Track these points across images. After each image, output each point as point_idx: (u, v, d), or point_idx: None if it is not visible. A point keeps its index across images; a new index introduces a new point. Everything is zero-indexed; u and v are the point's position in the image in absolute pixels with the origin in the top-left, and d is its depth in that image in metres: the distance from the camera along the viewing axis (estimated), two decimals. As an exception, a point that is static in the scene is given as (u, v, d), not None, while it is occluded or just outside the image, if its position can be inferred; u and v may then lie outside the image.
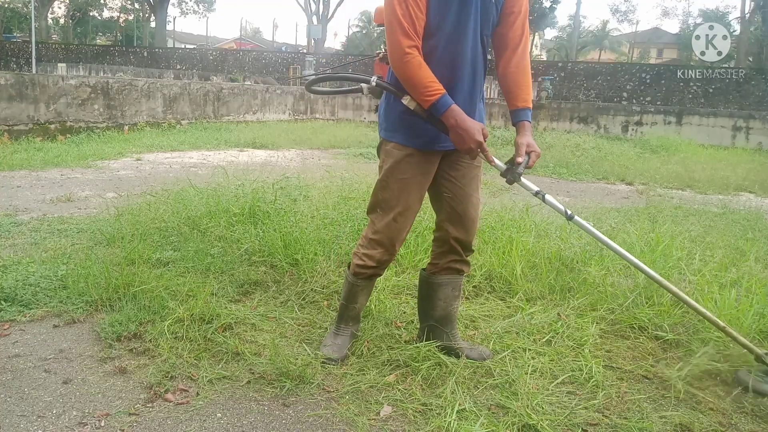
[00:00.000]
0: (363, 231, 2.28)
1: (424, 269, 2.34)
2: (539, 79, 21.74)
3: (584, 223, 2.16)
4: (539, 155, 2.05)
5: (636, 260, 2.21)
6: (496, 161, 2.03)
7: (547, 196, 2.11)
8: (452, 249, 2.21)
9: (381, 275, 2.35)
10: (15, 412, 1.85)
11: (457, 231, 2.18)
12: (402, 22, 1.90)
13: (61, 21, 43.16)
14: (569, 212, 2.12)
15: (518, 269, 3.00)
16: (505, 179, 2.04)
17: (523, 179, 2.03)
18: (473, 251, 2.29)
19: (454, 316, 2.32)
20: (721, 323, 2.18)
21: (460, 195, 2.17)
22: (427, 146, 2.09)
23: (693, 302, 2.17)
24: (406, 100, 2.02)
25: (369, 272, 2.22)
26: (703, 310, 2.19)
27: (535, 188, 2.07)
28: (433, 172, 2.15)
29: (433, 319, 2.30)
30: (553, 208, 2.14)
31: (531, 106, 2.10)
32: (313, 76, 2.38)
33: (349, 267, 2.28)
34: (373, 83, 2.08)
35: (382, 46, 2.47)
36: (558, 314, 2.66)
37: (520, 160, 2.01)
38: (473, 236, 2.23)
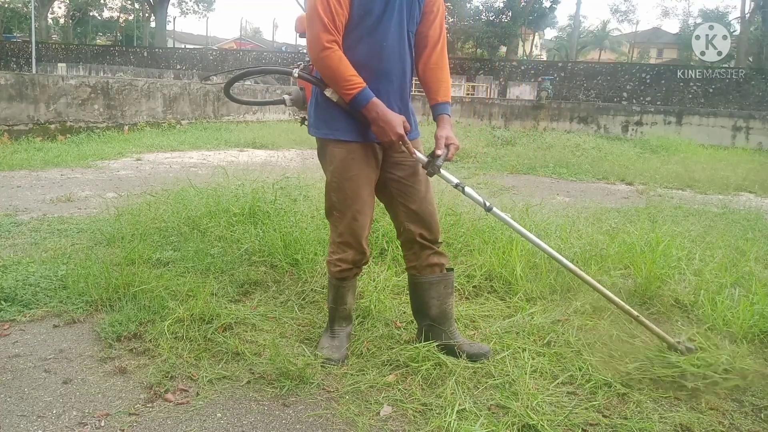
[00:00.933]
0: (329, 237, 2.29)
1: (409, 273, 2.34)
2: (539, 79, 21.74)
3: (502, 214, 2.24)
4: (458, 147, 2.13)
5: (557, 254, 2.28)
6: (418, 154, 2.09)
7: (467, 188, 2.17)
8: (422, 246, 2.23)
9: (361, 272, 2.37)
10: (15, 412, 1.85)
11: (420, 228, 2.20)
12: (322, 17, 1.93)
13: (61, 21, 43.19)
14: (488, 204, 2.19)
15: (518, 269, 3.00)
16: (425, 171, 2.10)
17: (443, 171, 2.09)
18: (442, 243, 2.30)
19: (450, 313, 2.32)
20: (635, 313, 2.22)
21: (411, 193, 2.18)
22: (365, 138, 2.10)
23: (613, 296, 2.23)
24: (329, 92, 2.04)
25: (348, 274, 2.24)
26: (622, 303, 2.23)
27: (455, 180, 2.14)
28: (378, 165, 2.17)
29: (430, 319, 2.30)
30: (473, 200, 2.20)
31: (450, 100, 2.18)
32: (233, 75, 2.37)
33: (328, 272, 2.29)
34: (295, 74, 2.11)
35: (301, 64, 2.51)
36: (558, 320, 2.64)
37: (439, 152, 2.07)
38: (437, 230, 2.24)
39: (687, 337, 2.31)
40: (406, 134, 2.03)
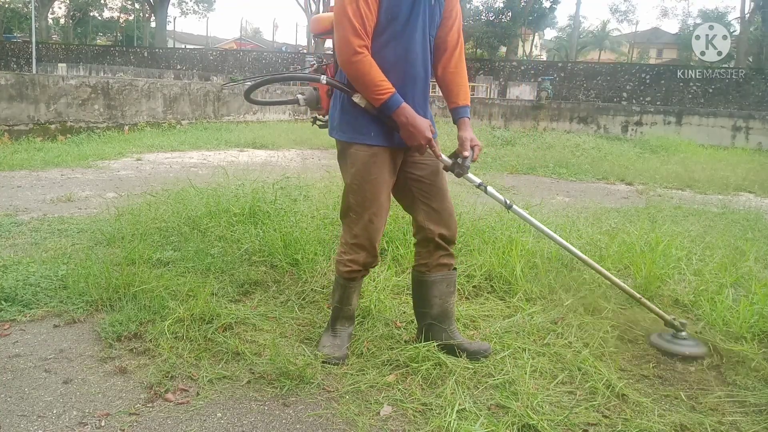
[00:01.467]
0: (340, 237, 2.29)
1: (416, 270, 2.35)
2: (539, 79, 21.74)
3: (522, 212, 2.35)
4: (481, 148, 2.18)
5: (573, 248, 2.49)
6: (443, 156, 2.14)
7: (489, 188, 2.26)
8: (438, 246, 2.24)
9: (368, 274, 2.38)
10: (15, 412, 1.85)
11: (440, 227, 2.21)
12: (353, 21, 1.93)
13: (62, 21, 43.22)
14: (508, 202, 2.32)
15: (518, 269, 3.00)
16: (452, 173, 2.14)
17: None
18: (455, 243, 2.33)
19: (451, 312, 2.33)
20: (637, 295, 2.49)
21: (433, 192, 2.21)
22: (390, 143, 2.11)
23: (619, 282, 2.47)
24: (357, 98, 2.06)
25: (357, 275, 2.25)
26: (627, 287, 2.50)
27: (478, 180, 2.22)
28: (396, 170, 2.19)
29: (431, 318, 2.31)
30: (494, 199, 2.31)
31: (469, 103, 2.23)
32: (257, 80, 2.41)
33: (336, 271, 2.30)
34: (323, 81, 2.12)
35: (313, 59, 2.54)
36: (555, 322, 2.64)
37: (466, 154, 2.11)
38: (455, 228, 2.28)
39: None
40: (433, 136, 2.07)
